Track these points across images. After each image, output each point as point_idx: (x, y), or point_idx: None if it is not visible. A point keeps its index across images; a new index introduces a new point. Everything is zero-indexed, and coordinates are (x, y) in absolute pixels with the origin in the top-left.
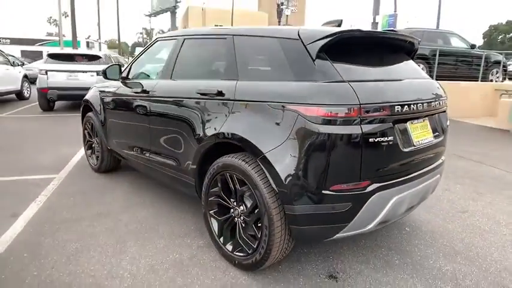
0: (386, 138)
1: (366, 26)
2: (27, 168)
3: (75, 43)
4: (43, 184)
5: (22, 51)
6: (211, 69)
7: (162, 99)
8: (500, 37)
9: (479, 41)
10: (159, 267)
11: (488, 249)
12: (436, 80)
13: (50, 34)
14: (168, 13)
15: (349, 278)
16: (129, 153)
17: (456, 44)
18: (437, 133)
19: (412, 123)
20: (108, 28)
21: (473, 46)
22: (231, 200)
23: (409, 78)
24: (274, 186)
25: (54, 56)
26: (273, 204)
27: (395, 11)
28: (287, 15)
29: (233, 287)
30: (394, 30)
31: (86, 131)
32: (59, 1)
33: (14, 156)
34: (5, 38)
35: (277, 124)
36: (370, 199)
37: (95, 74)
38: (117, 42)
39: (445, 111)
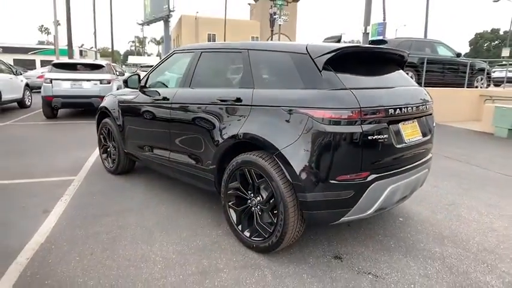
0: (382, 136)
1: (358, 36)
2: (46, 171)
3: (70, 51)
4: (64, 185)
5: (14, 60)
6: (229, 79)
7: (183, 105)
8: (486, 44)
9: (466, 49)
10: (186, 252)
11: (471, 234)
12: (425, 86)
13: (41, 42)
14: (161, 22)
15: (352, 258)
16: (149, 154)
17: (443, 52)
18: (425, 132)
19: (403, 124)
20: (100, 36)
21: (458, 55)
22: (249, 192)
23: (400, 85)
24: (288, 177)
25: (58, 65)
26: (288, 193)
27: (384, 20)
28: (280, 25)
29: (253, 267)
30: (384, 39)
31: (101, 136)
32: (55, 10)
33: (29, 160)
34: None
35: (290, 125)
36: (369, 187)
37: (98, 82)
38: (109, 50)
39: (431, 114)
